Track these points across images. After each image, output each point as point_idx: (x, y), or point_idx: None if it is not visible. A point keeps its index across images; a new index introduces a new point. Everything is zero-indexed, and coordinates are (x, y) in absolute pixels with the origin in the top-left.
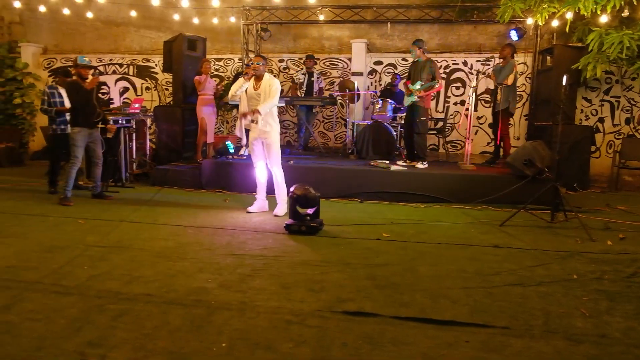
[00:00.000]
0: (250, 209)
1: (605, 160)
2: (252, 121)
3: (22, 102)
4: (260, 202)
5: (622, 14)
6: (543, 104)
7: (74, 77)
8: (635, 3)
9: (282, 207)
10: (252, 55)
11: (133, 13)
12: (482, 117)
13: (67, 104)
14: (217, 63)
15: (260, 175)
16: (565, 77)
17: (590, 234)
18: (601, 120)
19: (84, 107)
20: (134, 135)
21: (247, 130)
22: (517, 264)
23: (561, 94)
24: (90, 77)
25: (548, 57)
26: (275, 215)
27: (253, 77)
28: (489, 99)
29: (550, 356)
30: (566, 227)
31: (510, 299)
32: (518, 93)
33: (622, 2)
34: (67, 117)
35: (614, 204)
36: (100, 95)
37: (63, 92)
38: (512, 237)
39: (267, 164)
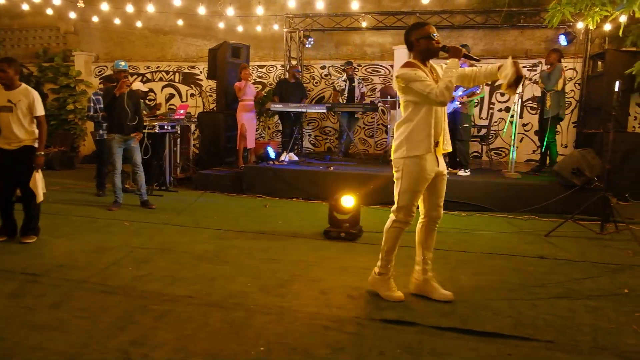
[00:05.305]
0: None
1: None
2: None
3: (74, 108)
4: None
5: None
6: (593, 111)
7: (115, 83)
8: None
9: None
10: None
11: (180, 22)
12: (527, 124)
13: None
14: (259, 70)
15: None
16: (618, 83)
17: None
18: None
19: (116, 113)
20: (178, 140)
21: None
22: (563, 276)
23: (613, 101)
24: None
25: (599, 62)
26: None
27: None
28: (536, 106)
29: None
30: (617, 239)
31: (556, 313)
32: (567, 99)
33: None
34: None
35: None
36: (147, 102)
37: None
38: (558, 248)
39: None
